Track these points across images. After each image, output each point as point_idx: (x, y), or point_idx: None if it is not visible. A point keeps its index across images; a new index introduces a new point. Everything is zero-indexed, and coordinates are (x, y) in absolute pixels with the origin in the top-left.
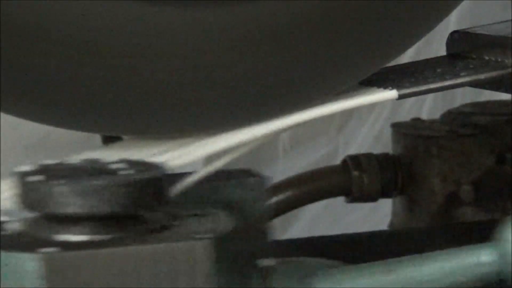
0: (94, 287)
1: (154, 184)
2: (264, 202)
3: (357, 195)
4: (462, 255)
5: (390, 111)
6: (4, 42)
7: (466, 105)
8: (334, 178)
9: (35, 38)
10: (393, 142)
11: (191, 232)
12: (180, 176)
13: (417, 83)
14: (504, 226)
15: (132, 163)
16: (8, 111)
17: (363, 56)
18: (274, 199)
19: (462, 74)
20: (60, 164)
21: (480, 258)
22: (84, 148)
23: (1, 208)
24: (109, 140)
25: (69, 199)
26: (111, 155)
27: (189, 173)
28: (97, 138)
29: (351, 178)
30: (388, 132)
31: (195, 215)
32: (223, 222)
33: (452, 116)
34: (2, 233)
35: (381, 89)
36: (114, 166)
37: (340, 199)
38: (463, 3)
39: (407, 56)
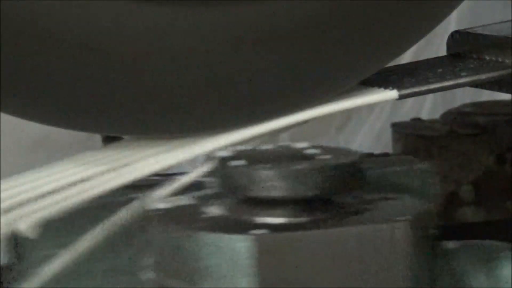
0: (301, 267)
1: (351, 168)
2: (434, 187)
3: None
4: None
5: (390, 111)
6: (4, 42)
7: (466, 105)
8: None
9: (35, 38)
10: (393, 142)
11: (387, 214)
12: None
13: (417, 83)
14: None
15: (326, 149)
16: (8, 111)
17: (363, 56)
18: None
19: (462, 74)
20: (257, 150)
21: None
22: (84, 148)
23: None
24: (109, 140)
25: (273, 183)
26: (111, 155)
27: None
28: (97, 138)
29: None
30: (388, 132)
31: (387, 199)
32: (413, 205)
33: (452, 116)
34: (204, 215)
35: (382, 89)
36: (310, 151)
37: None
38: (463, 3)
39: (407, 56)
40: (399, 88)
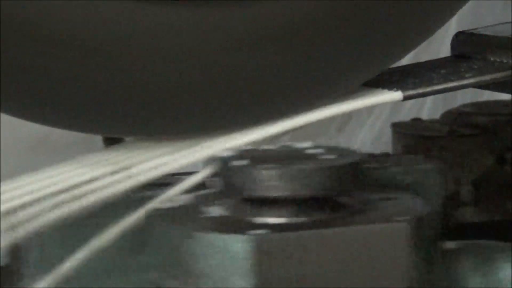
0: (300, 268)
1: (353, 168)
2: (441, 187)
3: None
4: None
5: (390, 111)
6: (4, 42)
7: (466, 105)
8: None
9: (35, 38)
10: (393, 142)
11: (388, 214)
12: (182, 177)
13: (421, 84)
14: None
15: (328, 149)
16: (8, 111)
17: (367, 58)
18: None
19: (467, 75)
20: (259, 150)
21: None
22: (85, 149)
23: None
24: (110, 140)
25: (274, 183)
26: (113, 156)
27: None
28: (97, 138)
29: None
30: (388, 132)
31: (387, 199)
32: (415, 205)
33: (452, 116)
34: (204, 215)
35: (386, 90)
36: (312, 151)
37: None
38: None
39: (407, 57)
40: (403, 89)
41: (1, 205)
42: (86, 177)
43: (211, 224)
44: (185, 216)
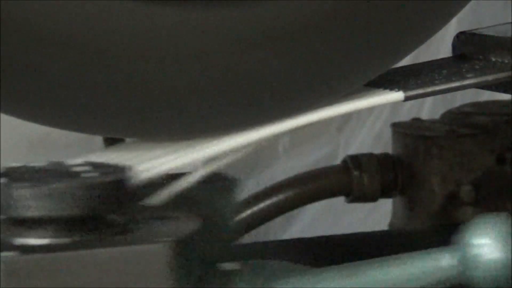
0: None
1: (116, 186)
2: (232, 204)
3: (357, 195)
4: (424, 259)
5: (390, 111)
6: (5, 42)
7: (466, 105)
8: (334, 178)
9: (35, 38)
10: (393, 142)
11: (152, 235)
12: (179, 177)
13: (423, 85)
14: (465, 230)
15: (97, 166)
16: (9, 112)
17: (369, 58)
18: (274, 199)
19: (468, 75)
20: (24, 167)
21: (441, 262)
22: (84, 148)
23: None
24: (110, 141)
25: (29, 202)
26: (113, 157)
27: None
28: (97, 138)
29: (351, 178)
30: (388, 132)
31: (159, 217)
32: (187, 224)
33: (452, 116)
34: None
35: (388, 90)
36: (78, 169)
37: (340, 199)
38: None
39: (407, 57)
40: (405, 89)
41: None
42: None
43: None
44: None
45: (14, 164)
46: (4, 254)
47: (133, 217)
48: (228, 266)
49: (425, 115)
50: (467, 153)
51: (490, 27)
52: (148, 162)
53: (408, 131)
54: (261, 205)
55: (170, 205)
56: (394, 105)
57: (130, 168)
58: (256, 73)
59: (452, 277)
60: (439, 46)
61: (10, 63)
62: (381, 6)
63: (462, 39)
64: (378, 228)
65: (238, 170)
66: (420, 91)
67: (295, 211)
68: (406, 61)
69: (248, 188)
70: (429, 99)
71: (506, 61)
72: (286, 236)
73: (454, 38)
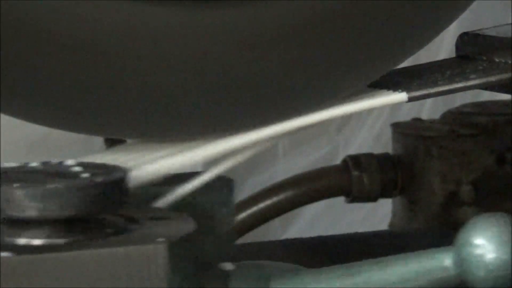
0: None
1: (112, 187)
2: (229, 205)
3: (357, 195)
4: (423, 259)
5: (390, 111)
6: (5, 42)
7: (466, 105)
8: (334, 178)
9: (35, 38)
10: (393, 142)
11: (148, 235)
12: (180, 178)
13: (426, 86)
14: (464, 230)
15: (92, 166)
16: (9, 112)
17: (372, 58)
18: (274, 199)
19: (472, 76)
20: (20, 167)
21: (441, 262)
22: (84, 149)
23: None
24: (111, 141)
25: (25, 203)
26: (114, 158)
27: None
28: (97, 138)
29: (351, 178)
30: (388, 132)
31: (155, 218)
32: (182, 225)
33: (452, 116)
34: None
35: (390, 91)
36: (74, 169)
37: (340, 199)
38: None
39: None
40: (408, 90)
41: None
42: None
43: None
44: None
45: (9, 164)
46: (1, 254)
47: (128, 218)
48: (225, 266)
49: (425, 115)
50: (467, 153)
51: (493, 28)
52: (149, 163)
53: (408, 131)
54: (261, 205)
55: (165, 206)
56: (394, 105)
57: (126, 169)
58: (257, 73)
59: (452, 277)
60: (439, 46)
61: (10, 63)
62: (383, 6)
63: (465, 40)
64: (378, 228)
65: (238, 171)
66: (423, 92)
67: (295, 211)
68: (407, 62)
69: (248, 188)
70: (429, 99)
71: (510, 62)
72: (286, 236)
73: (457, 38)
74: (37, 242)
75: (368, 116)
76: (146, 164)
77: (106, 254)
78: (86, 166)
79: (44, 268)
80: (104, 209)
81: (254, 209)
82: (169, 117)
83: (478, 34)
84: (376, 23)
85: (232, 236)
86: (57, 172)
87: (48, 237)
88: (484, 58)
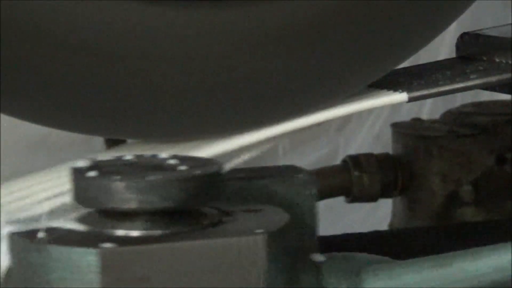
0: (149, 282)
1: (209, 179)
2: (312, 198)
3: (357, 195)
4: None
5: (390, 111)
6: (5, 42)
7: (466, 105)
8: (334, 178)
9: (36, 39)
10: (393, 142)
11: (245, 227)
12: None
13: (427, 86)
14: None
15: (186, 159)
16: (9, 112)
17: (372, 59)
18: None
19: (472, 76)
20: (115, 160)
21: None
22: (84, 149)
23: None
24: (111, 141)
25: (125, 195)
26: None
27: None
28: (97, 139)
29: (351, 178)
30: (388, 132)
31: (247, 210)
32: (276, 217)
33: (452, 116)
34: (57, 227)
35: (391, 91)
36: (170, 162)
37: (340, 199)
38: None
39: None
40: (408, 90)
41: (2, 207)
42: None
43: (61, 236)
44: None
45: (105, 157)
46: (101, 245)
47: (221, 210)
48: (316, 257)
49: (425, 115)
50: (467, 153)
51: (494, 28)
52: None
53: (408, 131)
54: None
55: (252, 199)
56: (394, 105)
57: (220, 162)
58: (257, 73)
59: None
60: (440, 46)
61: (10, 63)
62: (384, 7)
63: (466, 40)
64: (378, 228)
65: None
66: (424, 92)
67: None
68: (407, 62)
69: None
70: (429, 99)
71: (510, 62)
72: None
73: (458, 39)
74: (135, 233)
75: (368, 116)
76: None
77: (206, 245)
78: (181, 159)
79: (145, 259)
80: (201, 201)
81: None
82: (170, 117)
83: (479, 34)
84: (377, 24)
85: (316, 229)
86: (154, 165)
87: (145, 228)
88: (484, 58)
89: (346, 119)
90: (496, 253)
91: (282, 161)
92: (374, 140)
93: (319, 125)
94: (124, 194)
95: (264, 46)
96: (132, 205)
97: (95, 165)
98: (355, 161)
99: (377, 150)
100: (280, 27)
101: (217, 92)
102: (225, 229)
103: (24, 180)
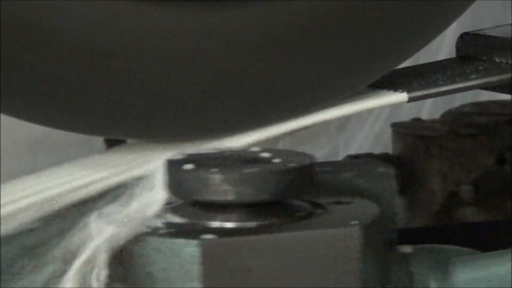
0: (248, 272)
1: (304, 172)
2: (392, 191)
3: None
4: None
5: (390, 111)
6: (5, 42)
7: (466, 105)
8: None
9: (36, 38)
10: (393, 142)
11: (340, 219)
12: None
13: (427, 86)
14: None
15: (277, 152)
16: (9, 112)
17: (373, 59)
18: None
19: (472, 76)
20: (209, 153)
21: None
22: (84, 149)
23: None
24: (111, 141)
25: (222, 187)
26: (114, 158)
27: None
28: (97, 139)
29: None
30: (388, 132)
31: (337, 203)
32: (367, 209)
33: (452, 116)
34: (153, 220)
35: (391, 91)
36: (263, 155)
37: None
38: None
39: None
40: (408, 90)
41: (2, 207)
42: (88, 179)
43: (161, 228)
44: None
45: (196, 151)
46: (201, 236)
47: (312, 203)
48: (404, 249)
49: (425, 115)
50: (467, 153)
51: (494, 28)
52: (149, 164)
53: (408, 131)
54: None
55: (337, 193)
56: (394, 105)
57: (312, 155)
58: (258, 73)
59: None
60: (440, 46)
61: (10, 63)
62: (384, 7)
63: (466, 40)
64: None
65: None
66: (424, 92)
67: None
68: (407, 62)
69: None
70: (429, 99)
71: (510, 62)
72: None
73: (458, 39)
74: (229, 225)
75: (368, 116)
76: (146, 164)
77: (304, 237)
78: (273, 152)
79: (245, 250)
80: (295, 194)
81: None
82: (170, 117)
83: (479, 34)
84: (377, 24)
85: (397, 221)
86: (249, 158)
87: (240, 220)
88: (485, 58)
89: (346, 119)
90: None
91: None
92: (374, 140)
93: (319, 125)
94: (221, 186)
95: (264, 46)
96: (229, 197)
97: (190, 158)
98: None
99: (377, 150)
100: (280, 27)
101: (217, 92)
102: (320, 221)
103: (24, 180)
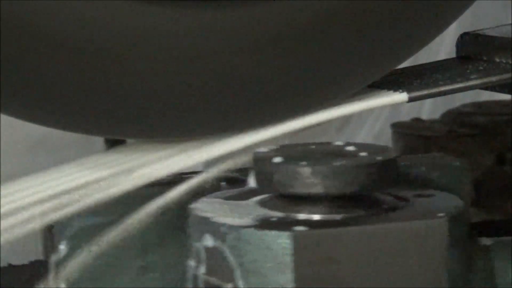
0: (338, 264)
1: (389, 165)
2: (467, 185)
3: None
4: None
5: (390, 111)
6: (5, 42)
7: (466, 105)
8: None
9: (35, 38)
10: (393, 142)
11: (426, 211)
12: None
13: (427, 86)
14: None
15: (361, 146)
16: (9, 112)
17: (372, 59)
18: None
19: (472, 76)
20: (295, 147)
21: None
22: (84, 149)
23: None
24: (111, 141)
25: (311, 180)
26: (114, 158)
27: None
28: (97, 139)
29: None
30: (388, 132)
31: (419, 195)
32: (450, 202)
33: (452, 116)
34: (244, 211)
35: (391, 91)
36: (348, 149)
37: None
38: None
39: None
40: (408, 90)
41: (1, 207)
42: (88, 179)
43: (252, 220)
44: (225, 212)
45: (284, 144)
46: (293, 228)
47: (395, 196)
48: (484, 241)
49: (425, 115)
50: (467, 153)
51: (494, 28)
52: (149, 164)
53: (408, 131)
54: None
55: (421, 185)
56: (394, 105)
57: (392, 149)
58: (258, 74)
59: None
60: (440, 46)
61: (10, 63)
62: (384, 7)
63: (466, 40)
64: None
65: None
66: (424, 92)
67: None
68: (407, 62)
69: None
70: (429, 99)
71: (510, 62)
72: None
73: (458, 38)
74: (316, 217)
75: (368, 116)
76: (146, 164)
77: (391, 229)
78: (357, 145)
79: (336, 241)
80: (382, 186)
81: None
82: (170, 117)
83: (479, 34)
84: (377, 24)
85: (469, 214)
86: (335, 152)
87: (327, 212)
88: (485, 58)
89: (346, 119)
90: None
91: None
92: (374, 140)
93: (319, 125)
94: (310, 179)
95: (264, 46)
96: (318, 189)
97: (278, 152)
98: None
99: None
100: (280, 27)
101: (217, 92)
102: (406, 213)
103: (24, 180)
